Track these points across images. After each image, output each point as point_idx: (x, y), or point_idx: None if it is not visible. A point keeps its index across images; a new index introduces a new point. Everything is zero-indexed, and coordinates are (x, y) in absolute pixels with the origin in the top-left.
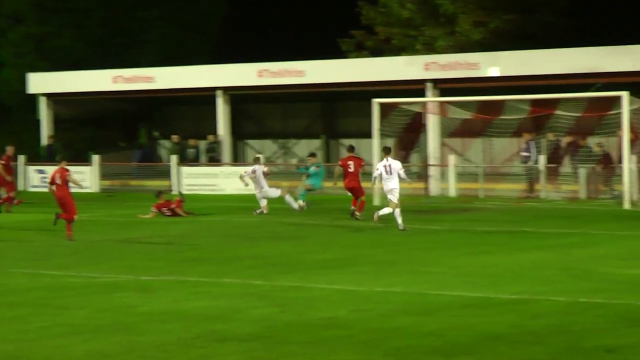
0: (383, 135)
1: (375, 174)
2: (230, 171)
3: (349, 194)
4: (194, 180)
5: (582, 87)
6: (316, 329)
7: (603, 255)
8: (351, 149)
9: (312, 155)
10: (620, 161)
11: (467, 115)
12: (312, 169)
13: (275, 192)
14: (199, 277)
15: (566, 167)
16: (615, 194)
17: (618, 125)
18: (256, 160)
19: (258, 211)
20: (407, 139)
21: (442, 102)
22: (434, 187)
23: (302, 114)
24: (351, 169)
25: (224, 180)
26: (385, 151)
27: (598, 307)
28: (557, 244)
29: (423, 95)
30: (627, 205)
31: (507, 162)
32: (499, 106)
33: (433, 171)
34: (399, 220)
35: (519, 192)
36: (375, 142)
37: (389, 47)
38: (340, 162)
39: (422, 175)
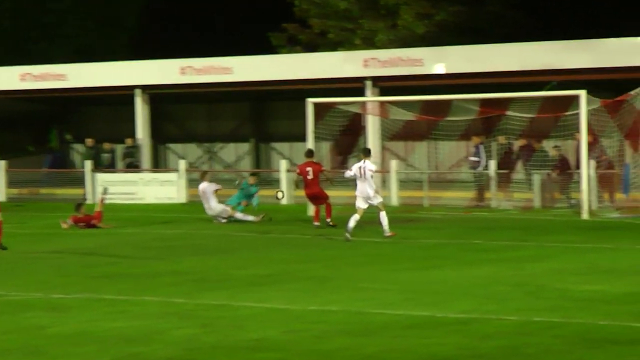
0: (318, 138)
1: (347, 174)
2: (150, 178)
3: (310, 203)
4: (110, 188)
5: (536, 85)
6: (244, 352)
7: (559, 269)
8: (310, 153)
9: (254, 175)
10: (578, 167)
11: (410, 116)
12: (254, 189)
13: (225, 211)
14: (115, 294)
15: (519, 173)
16: (573, 203)
17: (576, 127)
18: (204, 176)
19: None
20: (344, 142)
21: (382, 102)
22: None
23: (229, 115)
24: (310, 176)
25: (143, 188)
26: (365, 153)
27: (554, 327)
28: (509, 257)
29: (362, 95)
30: (585, 215)
31: (454, 168)
32: (445, 106)
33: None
34: (385, 224)
35: (467, 201)
36: (310, 146)
37: (325, 41)
38: (298, 169)
39: (333, 184)
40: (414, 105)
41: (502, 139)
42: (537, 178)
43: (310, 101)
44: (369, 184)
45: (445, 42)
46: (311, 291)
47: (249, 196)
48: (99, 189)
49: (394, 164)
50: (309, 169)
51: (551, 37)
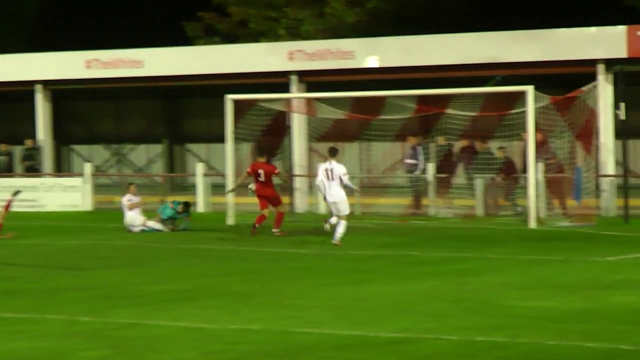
0: (238, 139)
1: (317, 180)
2: (52, 183)
3: (260, 208)
4: (7, 194)
5: (478, 80)
6: None
7: (504, 284)
8: (261, 153)
9: (186, 205)
10: (524, 170)
11: (339, 114)
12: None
13: (140, 224)
14: (15, 313)
15: (460, 177)
16: (519, 210)
17: (522, 127)
18: (128, 188)
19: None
20: (267, 143)
21: (309, 99)
22: (301, 202)
23: (139, 114)
24: (261, 178)
25: (45, 194)
26: (331, 153)
27: (498, 347)
28: (450, 270)
29: (287, 91)
30: (532, 224)
31: (388, 172)
32: (378, 104)
33: (299, 183)
34: (339, 231)
35: (403, 208)
36: (229, 147)
37: (245, 32)
38: (249, 168)
39: (285, 188)
40: (344, 103)
41: (441, 140)
42: (480, 183)
43: (230, 98)
44: (337, 187)
45: (379, 33)
46: (231, 308)
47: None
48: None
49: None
50: (260, 170)
51: (495, 27)
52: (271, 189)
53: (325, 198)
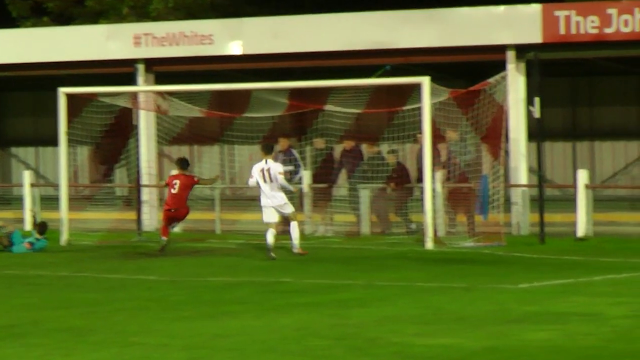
0: (74, 141)
1: (251, 182)
2: None
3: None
4: None
5: (363, 71)
6: None
7: (396, 317)
8: (183, 164)
9: (42, 225)
10: (420, 179)
11: (196, 112)
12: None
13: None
14: None
15: (342, 187)
16: (413, 228)
17: (417, 127)
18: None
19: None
20: (109, 147)
21: (159, 93)
22: (149, 217)
23: None
24: (175, 190)
25: None
26: (266, 150)
27: None
28: (329, 301)
29: (132, 83)
30: (429, 245)
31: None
32: (242, 99)
33: (147, 194)
34: (295, 237)
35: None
36: (63, 151)
37: (82, 11)
38: (167, 180)
39: (130, 201)
40: (201, 98)
41: (319, 143)
42: (365, 194)
43: (63, 91)
44: (277, 189)
45: (243, 13)
46: (66, 348)
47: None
48: None
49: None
50: (176, 181)
51: (384, 7)
52: (182, 203)
53: (262, 203)
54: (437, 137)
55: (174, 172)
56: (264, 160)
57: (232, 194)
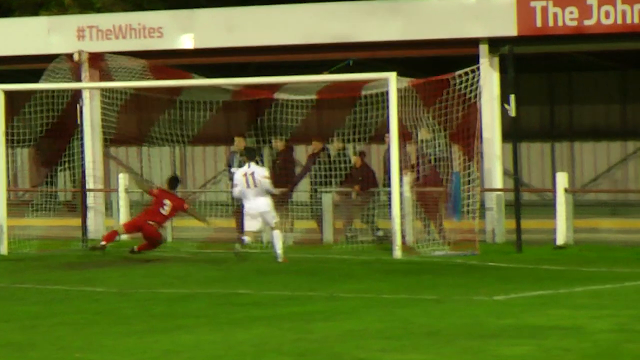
0: (13, 141)
1: (236, 191)
2: None
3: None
4: None
5: (322, 65)
6: None
7: (361, 331)
8: (173, 183)
9: None
10: (387, 183)
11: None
12: None
13: None
14: None
15: (300, 191)
16: (380, 235)
17: (381, 123)
18: None
19: None
20: (50, 147)
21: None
22: (96, 224)
23: None
24: (164, 211)
25: None
26: (249, 155)
27: None
28: (290, 314)
29: (75, 78)
30: (397, 253)
31: (210, 185)
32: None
33: (93, 199)
34: (278, 246)
35: (222, 232)
36: (1, 152)
37: (21, 2)
38: (155, 192)
39: (75, 206)
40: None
41: (279, 144)
42: (327, 198)
43: (1, 88)
44: (262, 194)
45: (195, 4)
46: None
47: None
48: None
49: (123, 179)
50: (167, 201)
51: None
52: (156, 229)
53: (245, 209)
54: (406, 136)
55: (159, 185)
56: (246, 165)
57: (185, 198)
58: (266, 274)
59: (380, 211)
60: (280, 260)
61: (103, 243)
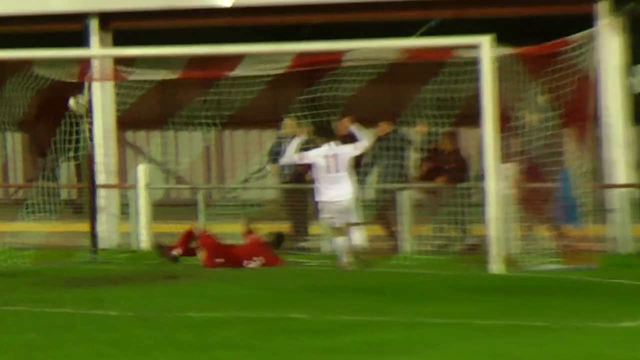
0: (1, 125)
1: (290, 157)
2: None
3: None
4: None
5: (401, 28)
6: None
7: None
8: (279, 240)
9: None
10: (478, 175)
11: (172, 75)
12: None
13: None
14: None
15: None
16: (472, 243)
17: (466, 99)
18: None
19: None
20: (42, 131)
21: (119, 59)
22: (108, 228)
23: None
24: (248, 265)
25: None
26: (326, 132)
27: None
28: (356, 344)
29: (83, 44)
30: (494, 267)
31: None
32: (232, 63)
33: (105, 199)
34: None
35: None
36: None
37: None
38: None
39: (81, 207)
40: (176, 64)
41: (343, 123)
42: (404, 195)
43: None
44: (345, 181)
45: None
46: None
47: None
48: None
49: (142, 171)
50: (258, 258)
51: None
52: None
53: (323, 199)
54: (504, 119)
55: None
56: (327, 145)
57: (222, 197)
58: (324, 293)
59: (473, 212)
60: (343, 264)
61: (177, 251)
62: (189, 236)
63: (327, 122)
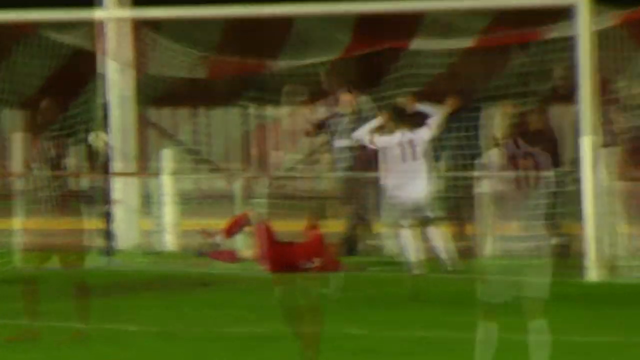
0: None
1: (361, 134)
2: None
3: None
4: None
5: None
6: None
7: None
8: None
9: None
10: (572, 163)
11: (196, 58)
12: None
13: None
14: None
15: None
16: (563, 244)
17: (545, 75)
18: None
19: None
20: (48, 108)
21: (140, 23)
22: (126, 228)
23: None
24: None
25: None
26: (400, 115)
27: None
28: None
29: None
30: (592, 273)
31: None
32: (276, 36)
33: (122, 191)
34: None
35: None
36: None
37: None
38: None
39: (92, 199)
40: (205, 35)
41: (408, 101)
42: (483, 187)
43: None
44: (422, 172)
45: None
46: None
47: None
48: None
49: (168, 158)
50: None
51: None
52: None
53: (394, 194)
54: (604, 93)
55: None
56: (400, 132)
57: (272, 191)
58: (390, 304)
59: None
60: (449, 267)
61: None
62: (241, 222)
63: (396, 102)
